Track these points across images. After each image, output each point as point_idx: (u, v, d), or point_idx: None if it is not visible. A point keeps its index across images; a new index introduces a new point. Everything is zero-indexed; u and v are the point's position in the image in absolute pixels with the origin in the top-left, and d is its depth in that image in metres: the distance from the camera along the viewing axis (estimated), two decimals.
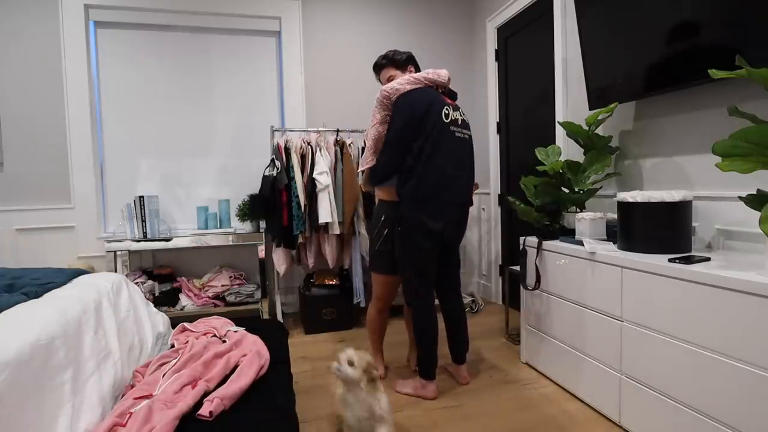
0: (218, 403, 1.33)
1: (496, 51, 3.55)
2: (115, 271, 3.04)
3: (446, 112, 2.05)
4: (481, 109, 3.79)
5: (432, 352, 2.09)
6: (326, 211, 2.92)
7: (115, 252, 3.01)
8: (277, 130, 3.32)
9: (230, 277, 3.17)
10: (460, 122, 2.11)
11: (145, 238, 3.02)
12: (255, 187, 3.13)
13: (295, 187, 2.96)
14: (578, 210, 2.32)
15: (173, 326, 2.08)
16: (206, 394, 1.39)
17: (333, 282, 3.13)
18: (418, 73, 2.11)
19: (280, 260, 3.08)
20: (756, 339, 1.29)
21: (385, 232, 2.16)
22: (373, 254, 2.23)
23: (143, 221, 3.03)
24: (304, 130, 3.24)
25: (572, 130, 2.29)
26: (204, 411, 1.30)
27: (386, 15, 3.70)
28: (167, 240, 2.98)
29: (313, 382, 2.29)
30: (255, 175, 3.23)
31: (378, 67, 2.27)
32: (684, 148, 2.00)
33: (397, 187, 2.07)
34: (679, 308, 1.52)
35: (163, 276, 3.12)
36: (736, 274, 1.36)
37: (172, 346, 1.84)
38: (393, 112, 2.04)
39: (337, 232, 3.02)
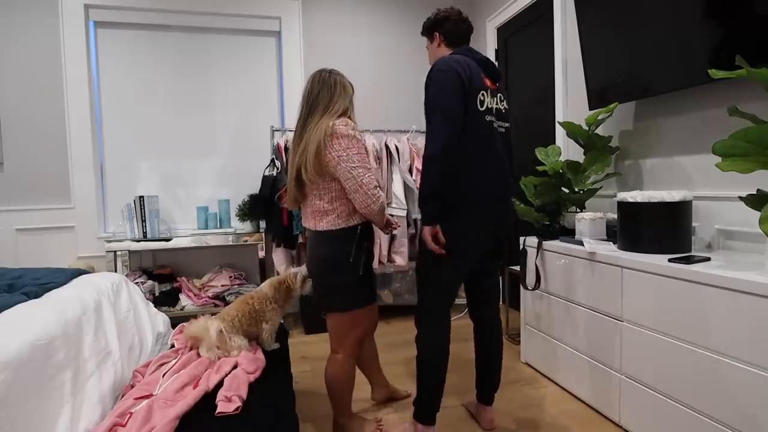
0: (237, 400, 1.35)
1: (496, 51, 3.55)
2: (115, 271, 3.04)
3: (482, 98, 1.62)
4: None
5: (438, 389, 1.70)
6: None
7: (115, 252, 3.01)
8: (277, 130, 3.33)
9: (230, 277, 3.17)
10: (495, 111, 1.68)
11: (145, 238, 3.02)
12: (255, 187, 3.13)
13: None
14: (578, 210, 2.32)
15: (173, 326, 2.07)
16: (207, 393, 1.39)
17: None
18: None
19: (280, 260, 3.08)
20: (756, 339, 1.29)
21: (362, 259, 1.66)
22: (346, 288, 1.65)
23: (143, 221, 3.03)
24: None
25: (572, 130, 2.29)
26: (226, 409, 1.30)
27: (386, 15, 3.70)
28: (167, 240, 2.98)
29: (313, 382, 2.29)
30: (255, 175, 3.23)
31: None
32: (684, 148, 2.00)
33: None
34: (679, 308, 1.52)
35: (163, 276, 3.11)
36: (736, 274, 1.36)
37: (172, 346, 1.84)
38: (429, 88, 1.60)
39: None
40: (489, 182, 1.63)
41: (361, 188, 1.56)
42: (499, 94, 1.71)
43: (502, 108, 1.72)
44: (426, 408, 1.71)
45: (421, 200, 1.58)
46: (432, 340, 1.70)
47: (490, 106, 1.65)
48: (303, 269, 1.86)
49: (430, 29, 1.81)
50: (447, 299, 1.71)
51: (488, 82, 1.67)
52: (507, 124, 1.75)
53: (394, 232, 1.83)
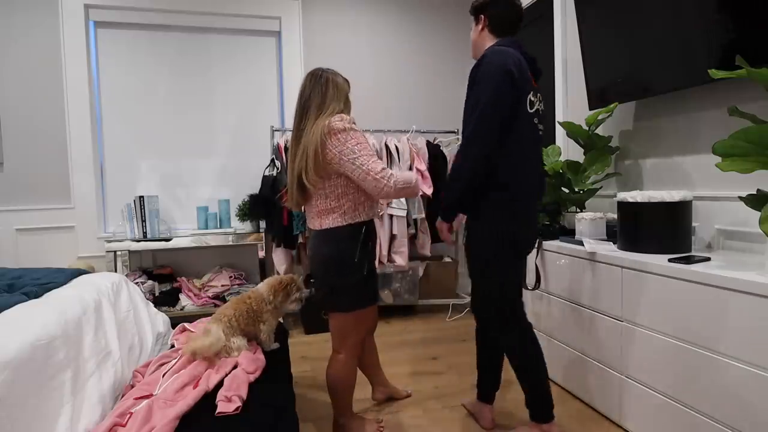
0: (237, 400, 1.35)
1: None
2: (115, 271, 3.03)
3: (531, 98, 1.58)
4: None
5: (546, 385, 1.69)
6: None
7: (115, 252, 3.01)
8: (277, 130, 3.33)
9: (230, 277, 3.17)
10: (540, 112, 1.65)
11: (145, 238, 3.02)
12: (255, 187, 3.13)
13: None
14: (578, 210, 2.32)
15: (173, 326, 2.07)
16: (207, 393, 1.39)
17: None
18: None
19: (280, 260, 3.08)
20: (756, 339, 1.29)
21: (366, 259, 1.66)
22: (350, 288, 1.64)
23: (143, 221, 3.03)
24: None
25: (572, 130, 2.29)
26: (226, 409, 1.30)
27: (386, 15, 3.70)
28: (167, 240, 2.98)
29: (313, 382, 2.29)
30: (255, 175, 3.23)
31: None
32: (684, 148, 2.00)
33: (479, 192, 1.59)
34: (680, 308, 1.52)
35: (163, 276, 3.12)
36: (736, 274, 1.36)
37: (172, 346, 1.84)
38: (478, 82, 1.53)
39: None
40: (530, 182, 1.62)
41: (369, 175, 1.54)
42: (539, 93, 1.65)
43: (540, 108, 1.66)
44: (543, 407, 1.69)
45: (446, 202, 1.63)
46: (525, 343, 1.68)
47: (536, 108, 1.61)
48: (305, 291, 1.91)
49: (477, 10, 1.68)
50: (514, 301, 1.69)
51: (533, 81, 1.62)
52: (542, 126, 1.68)
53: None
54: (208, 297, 3.03)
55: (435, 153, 3.35)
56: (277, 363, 1.71)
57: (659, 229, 1.73)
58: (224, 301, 3.03)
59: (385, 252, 3.15)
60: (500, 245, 1.61)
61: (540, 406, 1.69)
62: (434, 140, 3.49)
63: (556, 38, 2.79)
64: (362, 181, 1.56)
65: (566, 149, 2.68)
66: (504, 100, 1.50)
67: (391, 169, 3.14)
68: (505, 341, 1.70)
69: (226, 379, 1.46)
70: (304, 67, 3.49)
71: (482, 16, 1.66)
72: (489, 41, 1.65)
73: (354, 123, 1.60)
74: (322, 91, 1.63)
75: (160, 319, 2.10)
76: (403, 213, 3.11)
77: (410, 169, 3.21)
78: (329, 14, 3.58)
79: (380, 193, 1.57)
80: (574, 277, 2.03)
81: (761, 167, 1.34)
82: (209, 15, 3.35)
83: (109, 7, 3.17)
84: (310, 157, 1.56)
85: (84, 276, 1.91)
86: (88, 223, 3.16)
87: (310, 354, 2.66)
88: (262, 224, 3.15)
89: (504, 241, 1.61)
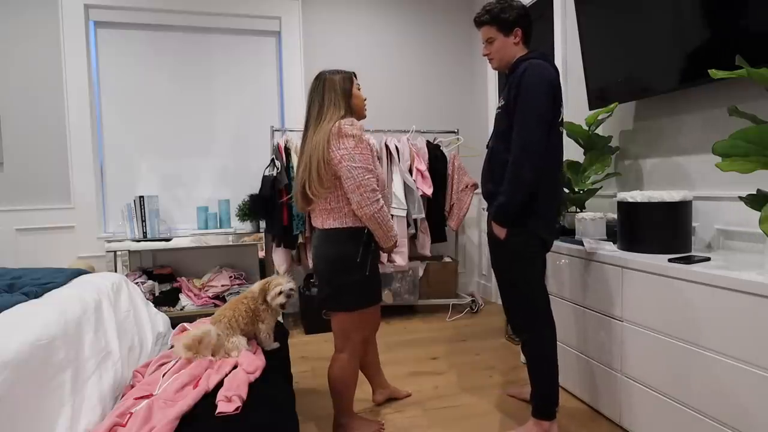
0: (237, 400, 1.34)
1: None
2: (115, 271, 3.04)
3: (563, 110, 1.70)
4: (481, 109, 3.79)
5: (557, 384, 1.76)
6: None
7: (115, 252, 3.01)
8: (277, 130, 3.33)
9: (230, 277, 3.17)
10: (562, 120, 1.74)
11: (145, 238, 3.02)
12: (255, 187, 3.13)
13: None
14: (578, 210, 2.32)
15: (173, 326, 2.07)
16: (207, 393, 1.39)
17: None
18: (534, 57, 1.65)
19: (280, 260, 3.08)
20: (756, 339, 1.29)
21: (369, 259, 1.67)
22: (353, 287, 1.65)
23: (143, 221, 3.03)
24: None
25: (572, 130, 2.29)
26: (226, 409, 1.30)
27: (386, 15, 3.70)
28: (167, 240, 2.98)
29: (313, 382, 2.29)
30: (255, 175, 3.23)
31: (477, 24, 1.75)
32: (684, 148, 2.00)
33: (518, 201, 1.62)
34: (679, 308, 1.52)
35: (163, 276, 3.12)
36: (736, 274, 1.36)
37: (172, 346, 1.84)
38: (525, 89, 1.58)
39: None
40: (559, 189, 1.79)
41: (359, 189, 1.56)
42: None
43: (563, 117, 1.73)
44: (551, 404, 1.74)
45: (509, 206, 1.62)
46: (550, 339, 1.77)
47: (561, 117, 1.69)
48: (290, 284, 1.83)
49: (513, 23, 1.68)
50: (548, 297, 1.79)
51: None
52: (563, 130, 1.78)
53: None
54: (208, 297, 3.03)
55: (435, 153, 3.35)
56: (277, 363, 1.71)
57: (659, 229, 1.73)
58: (224, 301, 3.03)
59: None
60: (536, 247, 1.71)
61: (546, 403, 1.73)
62: (434, 140, 3.49)
63: (556, 38, 2.79)
64: (350, 191, 1.57)
65: (566, 149, 2.66)
66: (550, 111, 1.59)
67: (391, 168, 3.18)
68: (535, 337, 1.77)
69: (226, 379, 1.46)
70: (304, 67, 3.49)
71: (519, 30, 1.69)
72: (520, 52, 1.72)
73: (363, 132, 1.62)
74: (320, 100, 1.66)
75: (160, 319, 2.10)
76: (403, 213, 3.11)
77: (410, 169, 3.22)
78: (329, 14, 3.58)
79: (361, 209, 1.58)
80: (574, 277, 2.03)
81: (761, 167, 1.34)
82: (209, 15, 3.35)
83: (109, 7, 3.17)
84: (314, 168, 1.57)
85: (84, 276, 1.91)
86: (88, 223, 3.16)
87: (310, 354, 2.66)
88: (262, 224, 3.15)
89: (538, 244, 1.70)
